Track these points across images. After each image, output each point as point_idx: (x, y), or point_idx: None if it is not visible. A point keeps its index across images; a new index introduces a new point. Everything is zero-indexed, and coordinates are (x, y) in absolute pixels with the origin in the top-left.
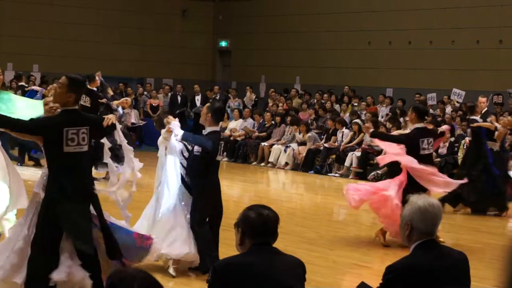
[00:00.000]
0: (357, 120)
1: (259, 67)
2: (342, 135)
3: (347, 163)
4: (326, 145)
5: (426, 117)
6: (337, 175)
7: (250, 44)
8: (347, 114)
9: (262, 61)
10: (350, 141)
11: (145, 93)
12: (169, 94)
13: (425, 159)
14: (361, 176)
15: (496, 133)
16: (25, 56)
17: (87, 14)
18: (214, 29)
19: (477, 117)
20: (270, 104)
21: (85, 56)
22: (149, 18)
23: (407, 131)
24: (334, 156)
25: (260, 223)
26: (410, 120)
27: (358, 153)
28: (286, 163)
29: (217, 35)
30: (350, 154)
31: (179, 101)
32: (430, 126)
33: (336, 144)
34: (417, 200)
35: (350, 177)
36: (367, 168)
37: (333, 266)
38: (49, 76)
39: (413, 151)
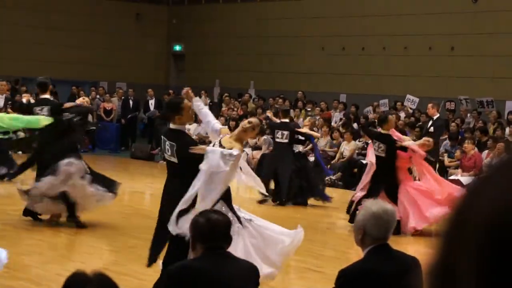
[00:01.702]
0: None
1: (213, 72)
2: None
3: None
4: None
5: None
6: None
7: (204, 48)
8: (301, 119)
9: (216, 66)
10: None
11: (98, 96)
12: (122, 98)
13: None
14: None
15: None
16: None
17: (40, 16)
18: (168, 33)
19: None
20: (224, 108)
21: (38, 59)
22: (103, 21)
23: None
24: None
25: (208, 228)
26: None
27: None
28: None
29: (171, 39)
30: None
31: (131, 105)
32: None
33: None
34: (371, 205)
35: None
36: None
37: (287, 270)
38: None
39: None
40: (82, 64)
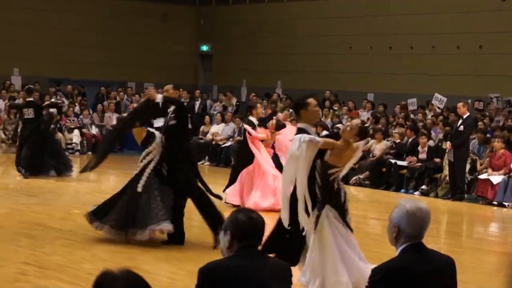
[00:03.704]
0: (339, 125)
1: (241, 71)
2: None
3: None
4: None
5: None
6: None
7: (232, 48)
8: (329, 119)
9: (243, 65)
10: None
11: (126, 97)
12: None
13: None
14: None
15: None
16: (5, 60)
17: (68, 18)
18: (195, 33)
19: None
20: None
21: (67, 60)
22: (131, 22)
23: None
24: None
25: (249, 226)
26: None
27: None
28: None
29: (198, 39)
30: None
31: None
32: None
33: None
34: (405, 203)
35: None
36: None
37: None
38: (29, 79)
39: None
40: (110, 64)
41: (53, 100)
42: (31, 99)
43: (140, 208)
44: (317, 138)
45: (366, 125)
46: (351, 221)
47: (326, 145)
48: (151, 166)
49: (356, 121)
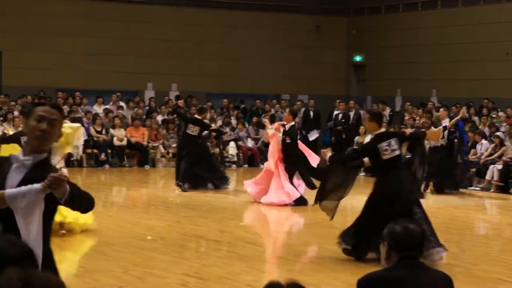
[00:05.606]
0: (498, 133)
1: (394, 81)
2: (481, 148)
3: (488, 177)
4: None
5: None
6: (477, 189)
7: (385, 58)
8: (486, 128)
9: (397, 75)
10: (490, 154)
11: (280, 109)
12: (303, 109)
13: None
14: (503, 189)
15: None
16: (166, 76)
17: (221, 32)
18: (348, 44)
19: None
20: (407, 117)
21: (221, 74)
22: (283, 34)
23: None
24: (474, 170)
25: (406, 237)
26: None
27: (499, 166)
28: None
29: (351, 49)
30: (491, 167)
31: (311, 116)
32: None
33: (476, 157)
34: None
35: (491, 190)
36: (508, 181)
37: (478, 281)
38: (186, 95)
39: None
40: (264, 77)
41: (220, 128)
42: (200, 118)
43: None
44: None
45: None
46: None
47: None
48: None
49: None
